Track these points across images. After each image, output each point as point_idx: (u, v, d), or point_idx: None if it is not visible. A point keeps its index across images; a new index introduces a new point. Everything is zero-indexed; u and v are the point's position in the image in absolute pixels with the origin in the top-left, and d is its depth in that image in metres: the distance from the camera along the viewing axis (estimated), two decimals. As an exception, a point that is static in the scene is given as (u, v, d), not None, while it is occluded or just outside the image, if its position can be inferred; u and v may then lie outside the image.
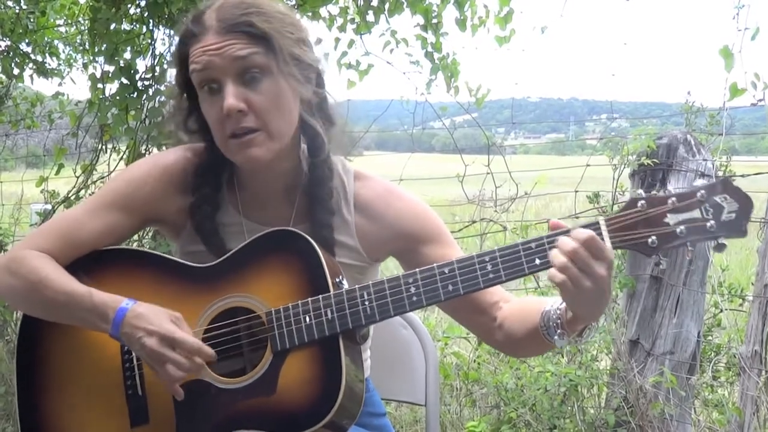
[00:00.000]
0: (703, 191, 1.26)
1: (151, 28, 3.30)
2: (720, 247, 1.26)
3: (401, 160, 3.72)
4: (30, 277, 1.46)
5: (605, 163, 3.08)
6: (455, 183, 3.49)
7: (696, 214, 1.26)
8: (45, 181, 3.75)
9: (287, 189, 1.53)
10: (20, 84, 4.76)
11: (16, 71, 4.39)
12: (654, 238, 1.27)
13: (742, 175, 3.08)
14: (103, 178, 3.61)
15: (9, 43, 4.22)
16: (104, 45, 3.21)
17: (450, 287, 1.34)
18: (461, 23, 3.57)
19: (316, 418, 1.35)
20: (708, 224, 1.25)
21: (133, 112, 3.24)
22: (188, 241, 1.55)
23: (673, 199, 1.26)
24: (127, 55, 3.30)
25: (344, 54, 3.68)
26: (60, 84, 4.78)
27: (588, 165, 3.25)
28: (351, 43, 3.68)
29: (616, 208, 3.06)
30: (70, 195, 3.69)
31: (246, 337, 1.44)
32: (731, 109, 3.05)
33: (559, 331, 1.35)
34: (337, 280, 1.41)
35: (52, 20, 4.41)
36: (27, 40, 4.37)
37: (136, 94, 3.18)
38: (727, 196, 1.25)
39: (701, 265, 2.97)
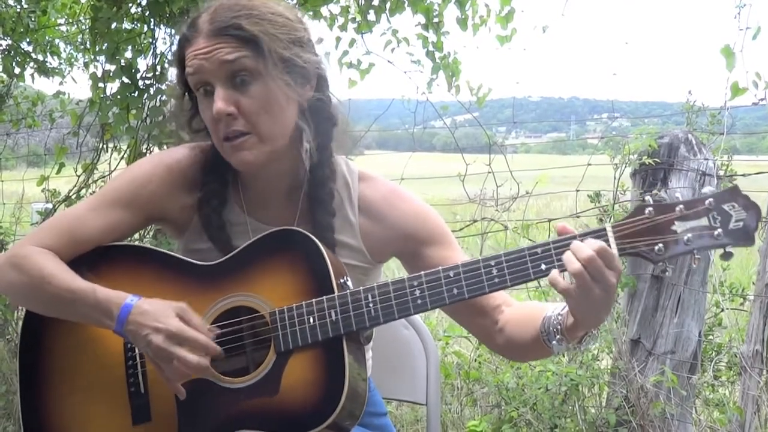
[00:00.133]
0: (711, 199, 1.25)
1: (152, 27, 3.30)
2: (727, 255, 1.26)
3: (402, 160, 3.71)
4: (33, 273, 1.46)
5: (606, 163, 3.08)
6: (456, 182, 3.49)
7: (704, 221, 1.25)
8: (46, 180, 3.75)
9: (290, 189, 1.53)
10: (21, 83, 4.76)
11: (17, 70, 4.39)
12: (661, 245, 1.26)
13: (743, 175, 3.08)
14: (104, 177, 3.62)
15: (10, 42, 4.22)
16: (105, 44, 3.21)
17: (455, 291, 1.34)
18: (462, 22, 3.57)
19: (319, 419, 1.34)
20: (715, 232, 1.25)
21: (134, 111, 3.25)
22: (192, 239, 1.55)
23: (681, 206, 1.26)
24: (128, 54, 3.31)
25: (345, 53, 3.69)
26: (61, 83, 4.78)
27: (589, 164, 3.24)
28: (352, 42, 3.68)
29: (617, 207, 3.06)
30: (71, 194, 3.69)
31: (249, 337, 1.44)
32: (732, 109, 3.05)
33: (558, 336, 1.35)
34: (342, 280, 1.41)
35: (53, 19, 4.40)
36: (28, 39, 4.37)
37: (137, 93, 3.19)
38: (735, 204, 1.25)
39: (702, 264, 2.97)
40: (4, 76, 4.45)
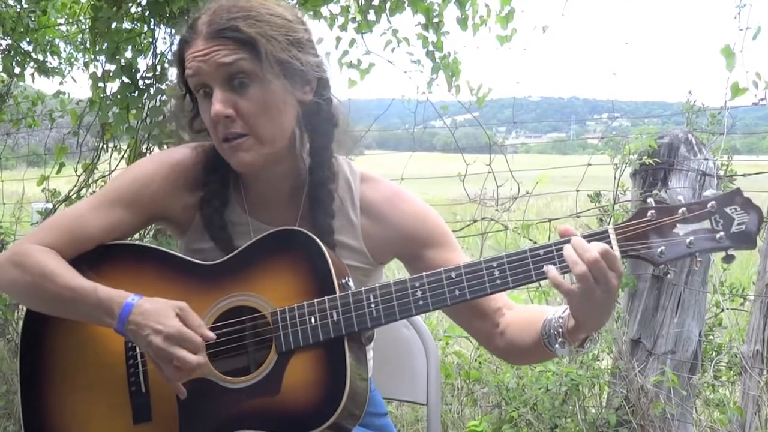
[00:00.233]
0: (713, 202, 1.25)
1: (152, 26, 3.30)
2: (729, 258, 1.26)
3: (402, 159, 3.71)
4: (34, 272, 1.45)
5: (606, 163, 3.08)
6: (456, 182, 3.49)
7: (706, 224, 1.26)
8: (46, 179, 3.75)
9: (292, 190, 1.53)
10: (21, 83, 4.76)
11: (17, 70, 4.40)
12: (663, 248, 1.26)
13: (744, 175, 3.08)
14: (104, 177, 3.62)
15: (10, 41, 4.22)
16: (105, 44, 3.21)
17: (457, 292, 1.34)
18: (462, 22, 3.57)
19: (320, 419, 1.34)
20: (717, 235, 1.25)
21: (134, 111, 3.25)
22: (194, 239, 1.55)
23: (684, 209, 1.26)
24: (128, 54, 3.31)
25: (345, 53, 3.69)
26: (61, 83, 4.78)
27: (589, 164, 3.24)
28: (352, 42, 3.68)
29: (617, 207, 3.06)
30: (71, 194, 3.69)
31: (251, 337, 1.44)
32: (732, 109, 3.05)
33: (560, 339, 1.35)
34: (344, 281, 1.41)
35: (53, 19, 4.41)
36: (28, 39, 4.38)
37: (137, 92, 3.19)
38: (737, 207, 1.25)
39: (703, 264, 2.96)
40: (4, 75, 4.45)
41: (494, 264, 1.32)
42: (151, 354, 1.39)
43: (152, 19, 3.27)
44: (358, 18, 3.66)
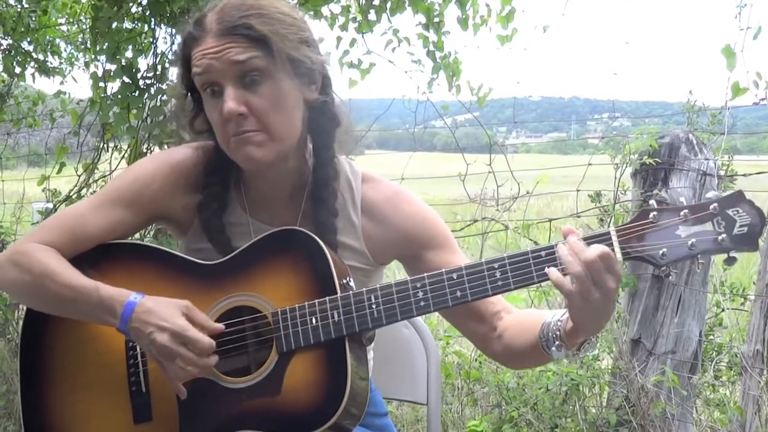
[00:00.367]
0: (715, 204, 1.25)
1: (152, 26, 3.31)
2: (730, 261, 1.26)
3: (403, 159, 3.71)
4: (35, 271, 1.45)
5: (607, 162, 3.08)
6: (457, 182, 3.49)
7: (708, 227, 1.25)
8: (47, 179, 3.75)
9: (293, 190, 1.53)
10: (22, 83, 4.77)
11: (17, 70, 4.40)
12: (665, 250, 1.26)
13: (744, 175, 3.08)
14: (104, 176, 3.62)
15: (11, 41, 4.23)
16: (106, 43, 3.21)
17: (458, 293, 1.34)
18: (463, 22, 3.58)
19: (321, 419, 1.34)
20: (719, 237, 1.25)
21: (134, 111, 3.25)
22: (194, 239, 1.55)
23: (686, 211, 1.26)
24: (129, 54, 3.31)
25: (346, 53, 3.69)
26: (62, 83, 4.79)
27: (590, 164, 3.24)
28: (353, 42, 3.68)
29: (618, 207, 3.06)
30: (71, 194, 3.69)
31: (252, 337, 1.44)
32: (733, 109, 3.05)
33: (557, 342, 1.35)
34: (345, 281, 1.41)
35: (53, 19, 4.41)
36: (29, 39, 4.38)
37: (137, 92, 3.19)
38: (739, 209, 1.25)
39: (703, 265, 2.96)
40: (5, 75, 4.46)
41: (495, 265, 1.32)
42: (153, 352, 1.38)
43: (153, 19, 3.27)
44: (359, 18, 3.66)
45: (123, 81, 3.18)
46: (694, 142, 2.97)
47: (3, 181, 4.60)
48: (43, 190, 3.85)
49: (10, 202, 4.58)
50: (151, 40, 3.31)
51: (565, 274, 1.26)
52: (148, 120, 3.23)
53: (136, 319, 1.38)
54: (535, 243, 3.02)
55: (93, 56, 3.70)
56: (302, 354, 1.39)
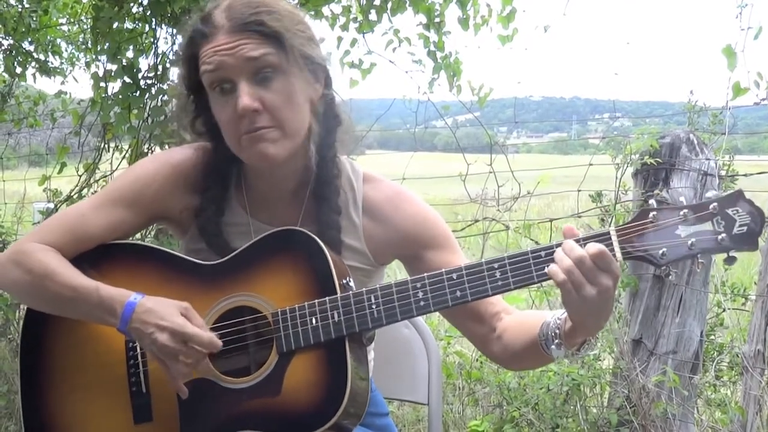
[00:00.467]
0: (715, 204, 1.25)
1: (153, 26, 3.31)
2: (730, 260, 1.26)
3: (404, 159, 3.71)
4: (36, 271, 1.45)
5: (608, 162, 3.08)
6: (457, 182, 3.49)
7: (707, 226, 1.25)
8: (48, 179, 3.76)
9: (295, 189, 1.53)
10: (23, 83, 4.77)
11: (18, 70, 4.41)
12: (665, 249, 1.26)
13: (745, 175, 3.08)
14: (105, 176, 3.62)
15: (12, 41, 4.23)
16: (107, 43, 3.21)
17: (458, 293, 1.34)
18: (464, 22, 3.57)
19: (321, 420, 1.35)
20: (719, 237, 1.25)
21: (135, 111, 3.24)
22: (194, 240, 1.55)
23: (686, 210, 1.26)
24: (130, 54, 3.31)
25: (347, 53, 3.69)
26: (62, 83, 4.80)
27: (590, 164, 3.24)
28: (353, 42, 3.68)
29: (618, 207, 3.06)
30: (72, 194, 3.69)
31: (252, 337, 1.44)
32: (734, 109, 3.04)
33: (556, 341, 1.35)
34: (345, 281, 1.41)
35: (54, 19, 4.41)
36: (30, 39, 4.38)
37: (138, 92, 3.19)
38: (739, 209, 1.25)
39: (704, 264, 2.96)
40: (6, 75, 4.46)
41: (495, 265, 1.32)
42: (155, 351, 1.38)
43: (154, 19, 3.27)
44: (360, 18, 3.66)
45: (124, 81, 3.18)
46: (695, 142, 2.96)
47: (4, 181, 4.60)
48: (44, 190, 3.85)
49: (12, 202, 4.59)
50: (152, 40, 3.31)
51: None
52: (149, 120, 3.23)
53: (137, 319, 1.38)
54: (536, 243, 3.02)
55: (94, 56, 3.70)
56: (302, 354, 1.39)
